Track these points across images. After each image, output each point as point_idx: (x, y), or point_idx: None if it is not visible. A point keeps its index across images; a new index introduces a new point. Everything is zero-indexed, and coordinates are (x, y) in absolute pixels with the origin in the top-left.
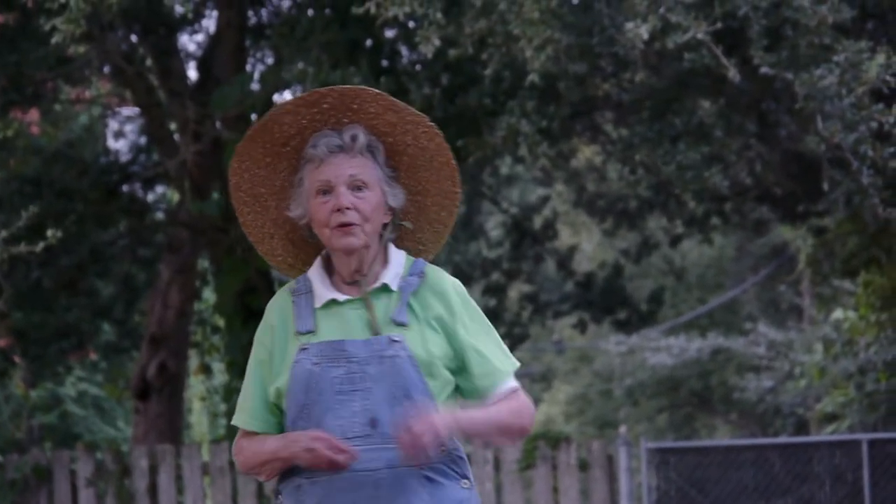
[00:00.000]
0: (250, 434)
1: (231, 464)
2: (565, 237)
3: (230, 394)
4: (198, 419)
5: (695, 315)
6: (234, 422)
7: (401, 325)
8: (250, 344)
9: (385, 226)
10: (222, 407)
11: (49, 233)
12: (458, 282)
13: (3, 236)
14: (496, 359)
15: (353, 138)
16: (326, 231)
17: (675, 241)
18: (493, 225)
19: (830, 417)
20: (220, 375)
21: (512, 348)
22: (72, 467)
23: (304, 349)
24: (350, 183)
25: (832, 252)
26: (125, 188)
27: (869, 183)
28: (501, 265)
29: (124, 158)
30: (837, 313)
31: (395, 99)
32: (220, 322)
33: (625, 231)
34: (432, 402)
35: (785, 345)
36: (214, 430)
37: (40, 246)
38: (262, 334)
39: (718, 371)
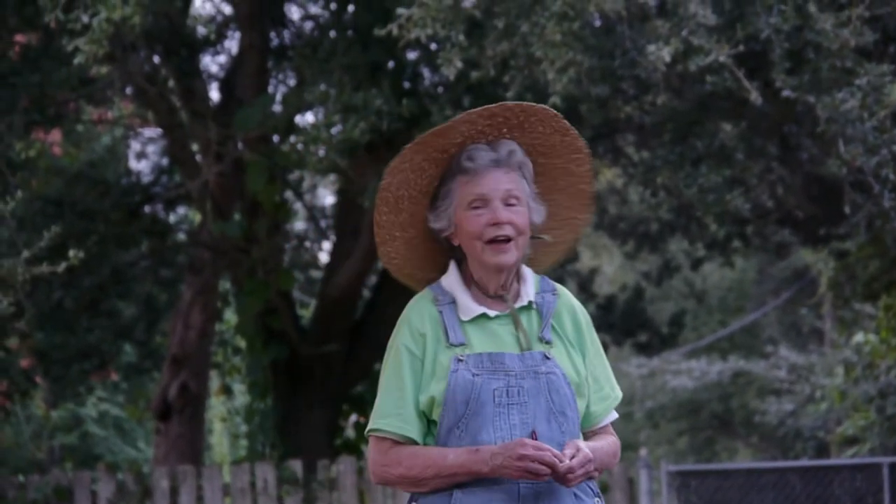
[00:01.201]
0: (399, 444)
1: (252, 485)
2: (586, 259)
3: (251, 415)
4: (219, 440)
5: (716, 338)
6: (381, 426)
7: (547, 342)
8: (271, 365)
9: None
10: (243, 428)
11: (71, 253)
12: (581, 305)
13: (25, 257)
14: (606, 387)
15: (511, 154)
16: (479, 244)
17: (696, 263)
18: None
19: (851, 441)
20: (240, 396)
21: None
22: (93, 488)
23: (461, 360)
24: (505, 198)
25: (853, 275)
26: (147, 209)
27: (890, 206)
28: None
29: (146, 179)
30: (858, 337)
31: (567, 122)
32: (242, 343)
33: (646, 254)
34: (579, 419)
35: (806, 368)
36: (235, 451)
37: (62, 266)
38: (410, 341)
39: (739, 394)
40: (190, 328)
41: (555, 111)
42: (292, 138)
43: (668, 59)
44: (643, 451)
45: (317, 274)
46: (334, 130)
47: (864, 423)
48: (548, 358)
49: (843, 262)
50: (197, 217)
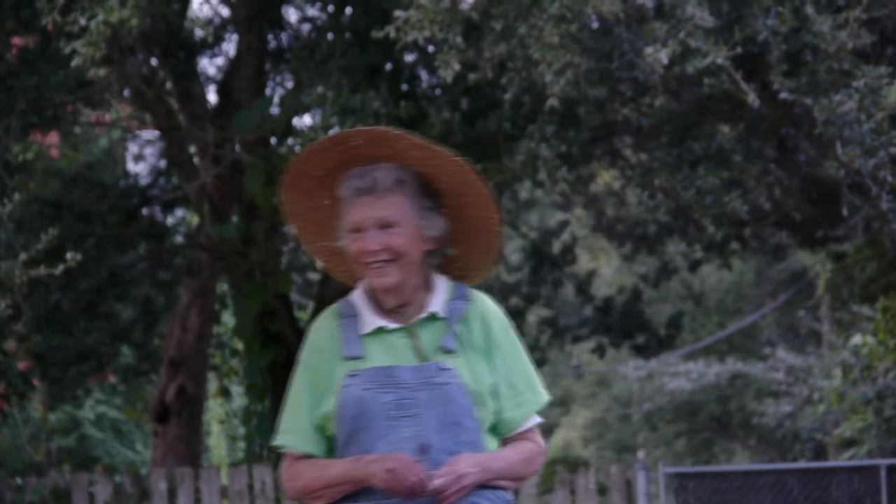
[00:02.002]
0: (302, 458)
1: (250, 487)
2: (584, 262)
3: (249, 417)
4: (216, 442)
5: (714, 340)
6: (281, 443)
7: (449, 352)
8: (269, 367)
9: (429, 253)
10: (241, 430)
11: (69, 255)
12: (500, 309)
13: (22, 259)
14: (526, 392)
15: (375, 180)
16: (360, 267)
17: (694, 265)
18: (512, 249)
19: (849, 443)
20: (238, 398)
21: None
22: (90, 490)
23: (354, 375)
24: (378, 224)
25: (851, 277)
26: (145, 211)
27: (888, 208)
28: (520, 289)
29: (144, 181)
30: (856, 339)
31: (417, 138)
32: (239, 345)
33: (644, 256)
34: (480, 431)
35: (804, 370)
36: (233, 454)
37: (60, 269)
38: (309, 357)
39: (737, 396)
40: (188, 330)
41: (398, 132)
42: (290, 141)
43: (665, 61)
44: (641, 453)
45: (314, 276)
46: (332, 133)
47: (861, 425)
48: (444, 368)
49: (840, 264)
50: (195, 219)
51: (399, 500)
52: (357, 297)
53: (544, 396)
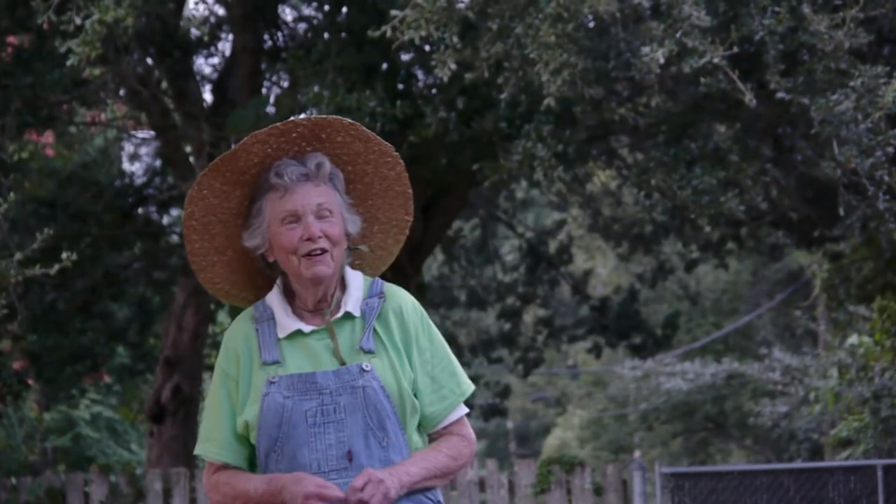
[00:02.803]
0: (222, 468)
1: None
2: (580, 261)
3: None
4: None
5: (710, 340)
6: (200, 452)
7: (368, 352)
8: None
9: (347, 250)
10: None
11: (64, 255)
12: (415, 301)
13: (17, 258)
14: (448, 385)
15: (319, 166)
16: (294, 259)
17: (690, 265)
18: (509, 249)
19: (845, 443)
20: None
21: (526, 373)
22: (85, 490)
23: (273, 381)
24: (318, 211)
25: (848, 277)
26: (140, 211)
27: (885, 208)
28: (516, 289)
29: (139, 181)
30: (853, 339)
31: (366, 129)
32: None
33: (640, 255)
34: (404, 432)
35: (800, 370)
36: None
37: (55, 268)
38: (226, 363)
39: (733, 396)
40: (183, 330)
41: (350, 121)
42: None
43: (662, 60)
44: (637, 454)
45: None
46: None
47: (858, 425)
48: (365, 370)
49: (837, 263)
50: None
51: None
52: (272, 298)
53: (468, 387)
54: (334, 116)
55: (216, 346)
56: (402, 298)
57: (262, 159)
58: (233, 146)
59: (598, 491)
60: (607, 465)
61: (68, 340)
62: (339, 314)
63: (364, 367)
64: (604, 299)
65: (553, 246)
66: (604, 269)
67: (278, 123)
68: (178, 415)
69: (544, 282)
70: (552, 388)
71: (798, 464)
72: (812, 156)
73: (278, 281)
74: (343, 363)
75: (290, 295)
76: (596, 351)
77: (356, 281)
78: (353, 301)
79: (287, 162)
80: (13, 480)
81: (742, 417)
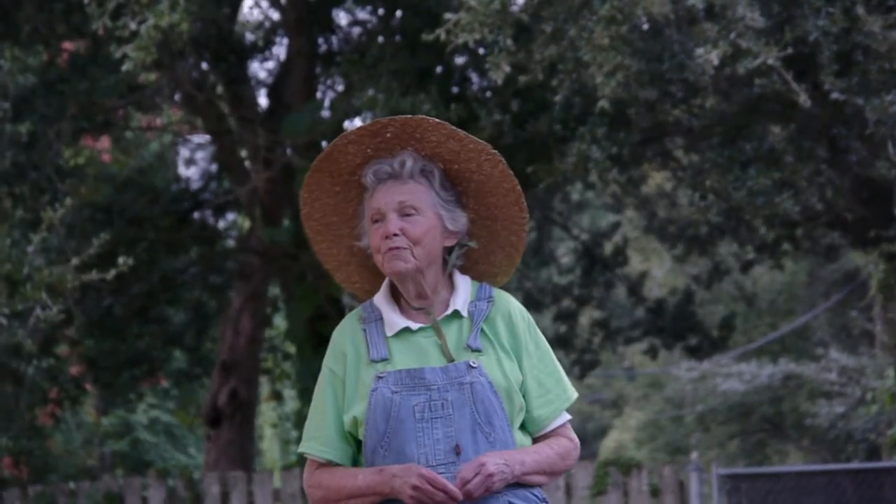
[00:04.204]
0: (325, 465)
1: (303, 491)
2: (636, 263)
3: (302, 420)
4: (269, 446)
5: (766, 341)
6: (304, 450)
7: (476, 350)
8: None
9: (449, 250)
10: (293, 433)
11: (120, 260)
12: (523, 308)
13: (74, 264)
14: (554, 390)
15: (402, 164)
16: (379, 257)
17: (746, 266)
18: (564, 251)
19: None
20: (291, 402)
21: (583, 374)
22: (143, 494)
23: (381, 377)
24: (399, 209)
25: None
26: (196, 215)
27: None
28: (572, 291)
29: (195, 186)
30: None
31: (455, 128)
32: (291, 348)
33: (695, 257)
34: (510, 429)
35: (857, 370)
36: (286, 457)
37: (111, 273)
38: (333, 362)
39: (790, 397)
40: (240, 334)
41: (438, 120)
42: None
43: (716, 61)
44: (694, 455)
45: None
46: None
47: None
48: (473, 367)
49: (893, 264)
50: (246, 223)
51: None
52: (380, 299)
53: (573, 393)
54: (422, 117)
55: (272, 349)
56: (510, 303)
57: (365, 160)
58: (288, 151)
59: (655, 492)
60: (664, 466)
61: (125, 345)
62: (448, 312)
63: (472, 363)
64: (660, 301)
65: (608, 248)
66: (659, 271)
67: (367, 124)
68: (234, 418)
69: (600, 284)
70: (609, 389)
71: (855, 464)
72: (867, 156)
73: (386, 281)
74: (451, 360)
75: (397, 295)
76: (652, 352)
77: (464, 283)
78: (460, 302)
79: (378, 162)
80: (71, 485)
81: (799, 418)
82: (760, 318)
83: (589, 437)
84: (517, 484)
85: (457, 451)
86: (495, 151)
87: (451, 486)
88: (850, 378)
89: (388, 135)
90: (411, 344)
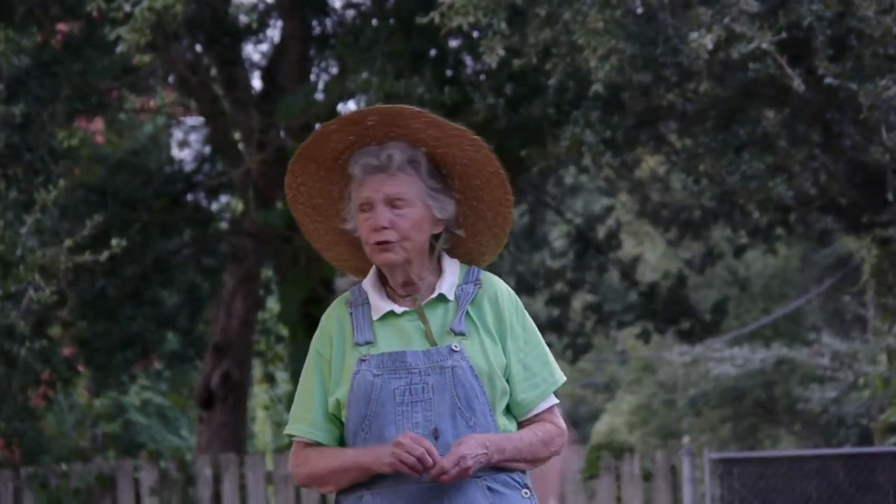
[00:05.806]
0: (311, 446)
1: None
2: (629, 247)
3: None
4: (261, 428)
5: (759, 325)
6: (291, 431)
7: (460, 334)
8: None
9: (437, 237)
10: (286, 416)
11: (113, 242)
12: (511, 290)
13: (67, 245)
14: (541, 373)
15: (390, 158)
16: (367, 247)
17: (739, 251)
18: (557, 235)
19: (894, 428)
20: (283, 384)
21: (575, 358)
22: (135, 476)
23: (364, 360)
24: (388, 201)
25: None
26: (189, 197)
27: None
28: (565, 275)
29: (188, 168)
30: None
31: (435, 115)
32: (284, 331)
33: (689, 241)
34: (491, 414)
35: (849, 355)
36: (278, 440)
37: (105, 255)
38: (319, 344)
39: (782, 382)
40: (232, 316)
41: (418, 109)
42: None
43: (710, 46)
44: (686, 439)
45: None
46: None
47: None
48: (455, 351)
49: (886, 249)
50: (239, 205)
51: (410, 487)
52: (367, 283)
53: (560, 377)
54: (402, 105)
55: (265, 332)
56: (497, 286)
57: (348, 146)
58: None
59: (647, 476)
60: (656, 450)
61: (118, 327)
62: (433, 296)
63: (454, 347)
64: (652, 285)
65: (601, 231)
66: (652, 255)
67: (348, 113)
68: (227, 401)
69: (593, 267)
70: (601, 373)
71: (847, 449)
72: (861, 141)
73: (374, 266)
74: (434, 344)
75: (384, 279)
76: (645, 337)
77: (452, 267)
78: (447, 285)
79: (364, 151)
80: (63, 466)
81: (791, 403)
82: (753, 303)
83: (581, 420)
84: (497, 468)
85: (435, 434)
86: (477, 137)
87: (434, 454)
88: (843, 363)
89: (370, 122)
90: (396, 328)
